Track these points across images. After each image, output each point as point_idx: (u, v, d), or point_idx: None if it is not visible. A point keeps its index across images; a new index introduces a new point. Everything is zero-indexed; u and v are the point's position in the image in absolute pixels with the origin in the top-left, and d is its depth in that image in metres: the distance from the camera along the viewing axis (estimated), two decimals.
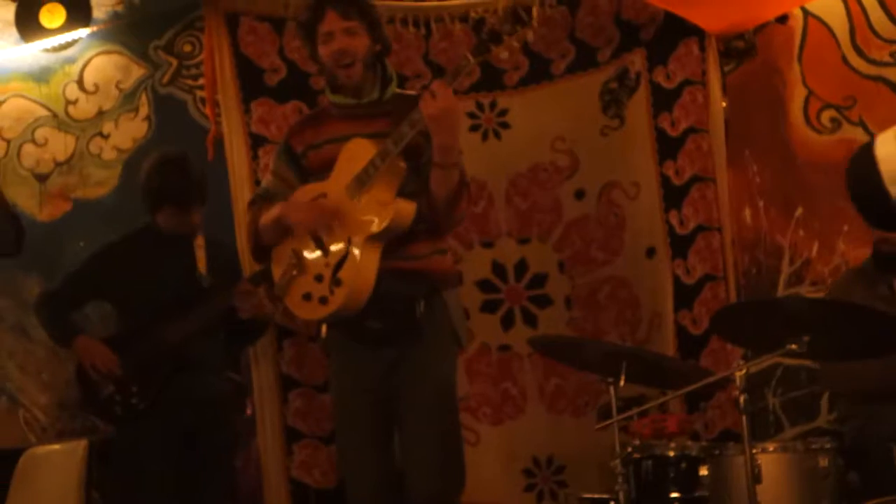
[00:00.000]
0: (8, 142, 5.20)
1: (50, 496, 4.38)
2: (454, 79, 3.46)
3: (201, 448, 4.28)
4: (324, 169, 3.60)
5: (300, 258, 3.54)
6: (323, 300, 3.47)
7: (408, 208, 3.46)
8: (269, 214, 3.65)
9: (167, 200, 4.35)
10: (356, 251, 3.44)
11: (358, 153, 3.50)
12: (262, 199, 3.76)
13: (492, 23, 3.43)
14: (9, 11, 5.16)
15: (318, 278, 3.49)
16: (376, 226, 3.43)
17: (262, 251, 3.74)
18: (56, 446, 4.59)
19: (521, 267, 4.81)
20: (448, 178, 3.45)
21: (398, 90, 3.73)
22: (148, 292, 4.27)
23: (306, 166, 3.68)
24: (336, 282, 3.45)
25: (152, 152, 4.66)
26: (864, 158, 2.85)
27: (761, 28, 4.77)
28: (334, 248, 3.48)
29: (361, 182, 3.46)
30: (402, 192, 3.49)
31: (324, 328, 3.67)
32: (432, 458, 3.51)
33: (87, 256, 4.55)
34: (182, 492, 4.23)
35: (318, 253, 3.51)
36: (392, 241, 3.47)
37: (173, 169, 4.33)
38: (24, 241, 3.93)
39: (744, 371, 3.19)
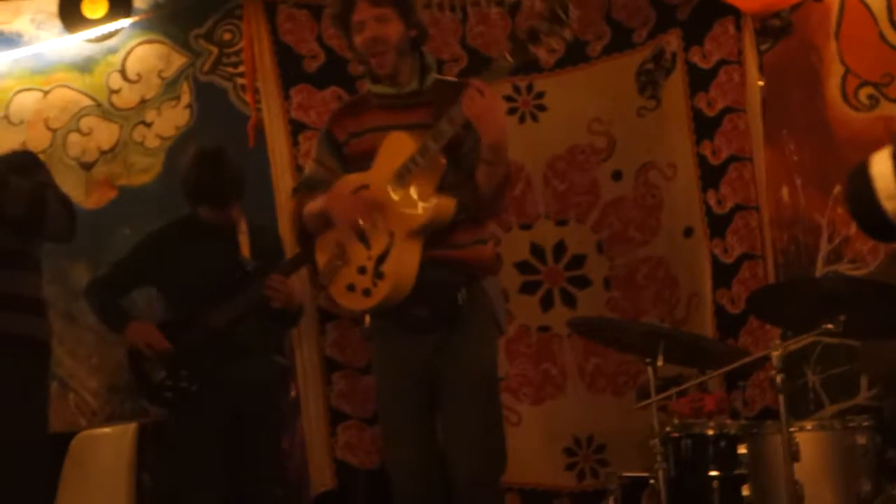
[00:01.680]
0: (54, 131, 5.24)
1: (101, 478, 4.47)
2: (495, 78, 3.50)
3: (249, 430, 4.33)
4: (364, 158, 3.65)
5: (344, 250, 3.60)
6: (366, 292, 3.54)
7: (448, 204, 3.52)
8: (314, 205, 3.71)
9: (203, 197, 4.41)
10: (398, 245, 3.50)
11: (398, 147, 3.55)
12: (305, 187, 3.82)
13: (530, 22, 3.47)
14: (52, 3, 5.18)
15: (362, 270, 3.56)
16: (417, 221, 3.49)
17: (307, 238, 3.80)
18: (107, 429, 4.67)
19: (560, 248, 4.85)
20: (495, 173, 3.51)
21: (438, 76, 3.75)
22: (193, 278, 4.33)
23: (347, 154, 3.73)
24: (379, 275, 3.52)
25: (192, 143, 4.72)
26: (860, 176, 2.96)
27: (797, 6, 4.73)
28: (377, 241, 3.54)
29: (402, 177, 3.51)
30: (443, 184, 3.53)
31: (367, 318, 3.72)
32: (474, 440, 3.57)
33: (133, 243, 4.62)
34: (230, 473, 4.30)
35: (361, 245, 3.57)
36: (431, 235, 3.52)
37: (209, 165, 4.37)
38: (75, 225, 4.04)
39: (780, 351, 3.23)
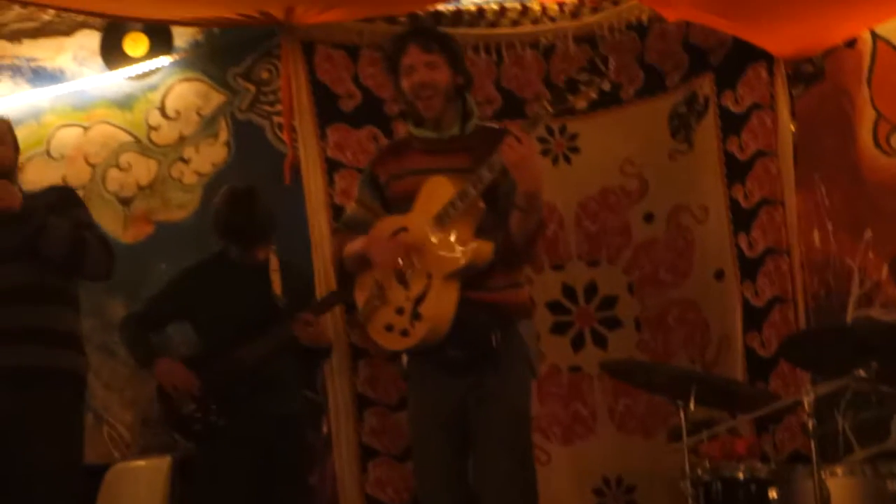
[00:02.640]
0: (93, 167, 5.33)
1: None
2: (533, 127, 3.56)
3: (278, 464, 4.36)
4: (404, 199, 3.69)
5: (383, 290, 3.64)
6: (404, 333, 3.57)
7: (486, 248, 3.55)
8: (353, 247, 3.76)
9: (232, 237, 4.49)
10: (436, 287, 3.53)
11: (438, 191, 3.59)
12: (346, 227, 3.87)
13: (570, 73, 3.52)
14: (94, 41, 5.29)
15: (400, 311, 3.58)
16: (456, 265, 3.52)
17: (346, 278, 3.85)
18: (141, 462, 4.71)
19: (591, 289, 4.88)
20: (528, 221, 3.55)
21: (479, 123, 3.81)
22: (225, 314, 4.39)
23: (389, 195, 3.78)
24: (417, 316, 3.55)
25: (228, 181, 4.80)
26: None
27: (830, 52, 4.78)
28: (415, 283, 3.57)
29: (442, 221, 3.55)
30: (479, 228, 3.57)
31: (404, 358, 3.76)
32: (506, 480, 3.56)
33: (166, 280, 4.68)
34: None
35: (399, 286, 3.60)
36: (468, 279, 3.55)
37: (239, 206, 4.45)
38: (113, 265, 4.10)
39: (812, 396, 3.25)
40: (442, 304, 3.52)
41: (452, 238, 3.54)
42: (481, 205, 3.56)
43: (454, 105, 3.74)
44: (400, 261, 3.59)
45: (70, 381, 3.99)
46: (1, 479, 3.47)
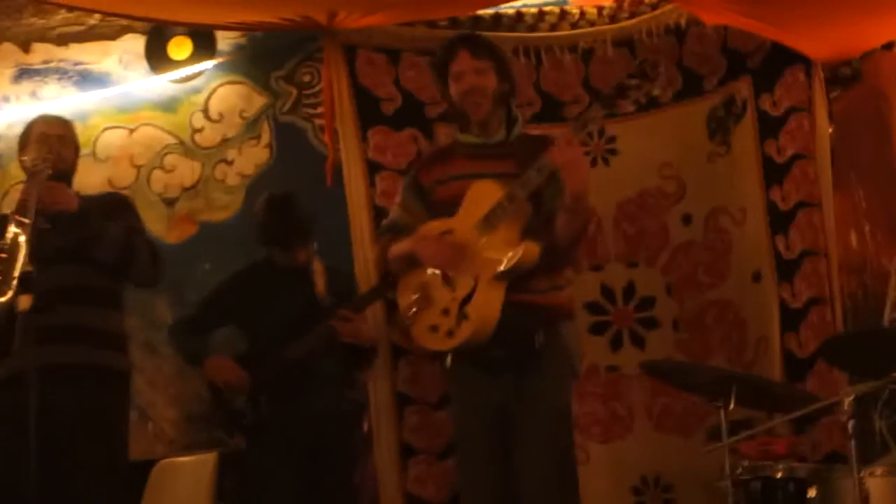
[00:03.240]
0: (138, 168, 5.42)
1: None
2: (582, 130, 3.62)
3: (322, 462, 4.44)
4: (449, 204, 3.75)
5: (428, 292, 3.70)
6: (450, 333, 3.62)
7: (534, 249, 3.59)
8: (400, 247, 3.82)
9: (272, 242, 4.60)
10: (482, 288, 3.58)
11: (485, 194, 3.65)
12: (389, 231, 3.93)
13: (610, 76, 3.57)
14: (139, 44, 5.38)
15: (445, 312, 3.63)
16: (503, 265, 3.57)
17: (391, 280, 3.92)
18: (187, 458, 4.76)
19: (629, 290, 4.93)
20: (575, 222, 3.61)
21: (524, 132, 3.87)
22: (272, 316, 4.47)
23: (433, 200, 3.84)
24: (463, 316, 3.59)
25: (273, 183, 4.89)
26: None
27: (867, 55, 4.79)
28: (461, 284, 3.62)
29: (489, 223, 3.60)
30: (525, 230, 3.63)
31: (449, 359, 3.81)
32: (548, 478, 3.62)
33: (215, 284, 4.77)
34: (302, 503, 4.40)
35: (445, 288, 3.65)
36: (514, 281, 3.60)
37: (277, 212, 4.56)
38: (162, 271, 4.19)
39: (852, 397, 3.29)
40: (488, 305, 3.57)
41: (499, 240, 3.60)
42: (528, 208, 3.61)
43: (500, 111, 3.80)
44: (448, 262, 3.64)
45: (115, 379, 4.10)
46: (48, 474, 3.54)
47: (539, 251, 3.59)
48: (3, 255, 3.43)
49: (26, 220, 3.54)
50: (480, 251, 3.62)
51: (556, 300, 3.74)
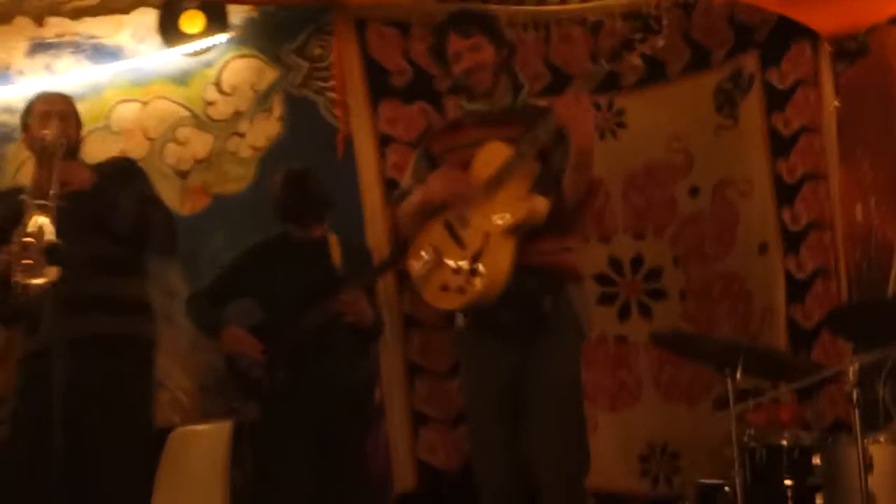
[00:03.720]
0: (152, 141, 5.42)
1: (197, 473, 4.63)
2: (588, 82, 3.69)
3: (335, 430, 4.50)
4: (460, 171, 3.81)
5: (439, 252, 3.74)
6: (461, 290, 3.66)
7: (542, 203, 3.65)
8: (410, 200, 3.89)
9: (290, 218, 4.66)
10: (493, 244, 3.63)
11: (494, 154, 3.72)
12: (401, 199, 4.00)
13: (624, 32, 3.62)
14: (152, 18, 5.36)
15: (457, 270, 3.68)
16: (512, 218, 3.62)
17: (402, 249, 3.98)
18: (203, 427, 4.84)
19: (637, 261, 5.00)
20: (580, 181, 3.66)
21: (530, 101, 3.92)
22: (288, 288, 4.54)
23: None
24: (473, 272, 3.64)
25: (284, 155, 4.95)
26: None
27: (873, 28, 4.79)
28: (471, 241, 3.67)
29: (499, 180, 3.67)
30: (534, 187, 3.68)
31: (459, 318, 3.87)
32: (559, 443, 3.69)
33: (232, 257, 4.83)
34: (316, 471, 4.46)
35: (456, 246, 3.70)
36: (523, 237, 3.66)
37: (294, 189, 4.61)
38: (177, 239, 4.26)
39: (856, 366, 3.36)
40: (499, 260, 3.62)
41: (509, 196, 3.65)
42: (535, 167, 3.67)
43: (503, 78, 3.87)
44: (460, 198, 3.69)
45: (139, 346, 4.17)
46: (74, 444, 3.62)
47: (548, 206, 3.65)
48: (31, 240, 3.47)
49: (47, 203, 3.58)
50: (491, 207, 3.67)
51: (564, 262, 3.79)
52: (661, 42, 3.61)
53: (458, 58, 3.85)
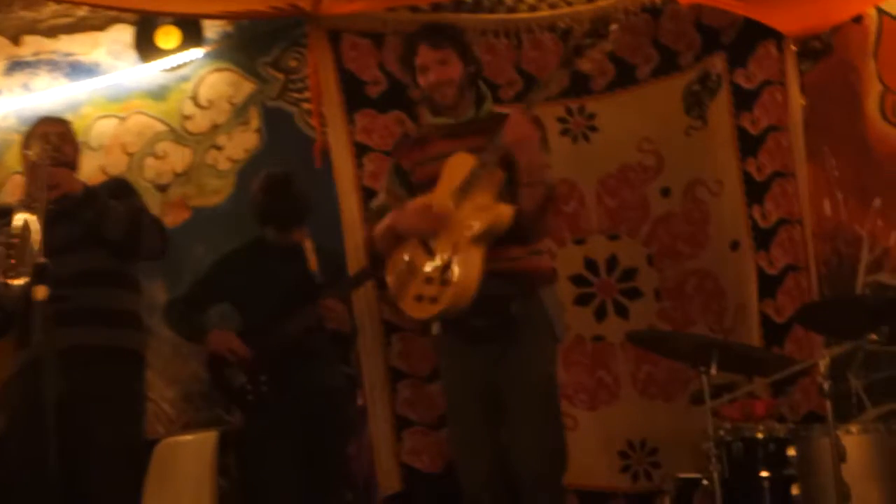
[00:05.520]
0: (131, 155, 5.48)
1: (184, 484, 4.67)
2: (544, 90, 3.79)
3: (319, 436, 4.54)
4: (429, 183, 3.89)
5: (412, 264, 3.83)
6: (433, 300, 3.75)
7: (507, 210, 3.74)
8: (382, 224, 3.98)
9: (269, 221, 4.68)
10: (461, 253, 3.71)
11: (460, 165, 3.80)
12: (376, 216, 4.08)
13: (576, 38, 3.71)
14: (128, 35, 5.42)
15: (429, 280, 3.77)
16: (479, 227, 3.71)
17: (378, 262, 4.06)
18: (189, 437, 4.87)
19: (612, 262, 5.04)
20: (534, 194, 3.74)
21: (494, 108, 3.99)
22: (266, 293, 4.57)
23: (414, 182, 4.00)
24: (444, 282, 3.73)
25: (262, 166, 4.95)
26: None
27: (837, 28, 4.90)
28: (441, 252, 3.76)
29: (464, 190, 3.75)
30: (500, 196, 3.75)
31: (435, 326, 3.95)
32: (536, 443, 3.78)
33: (209, 264, 4.86)
34: (302, 477, 4.49)
35: (427, 258, 3.79)
36: (492, 245, 3.74)
37: (276, 191, 4.64)
38: (167, 244, 4.32)
39: (827, 359, 3.44)
40: (468, 268, 3.70)
41: (475, 205, 3.73)
42: (500, 174, 3.74)
43: (468, 92, 3.95)
44: (424, 226, 3.77)
45: (132, 359, 4.23)
46: (65, 455, 3.66)
47: (513, 213, 3.72)
48: (16, 240, 3.51)
49: (35, 205, 3.63)
50: (458, 219, 3.74)
51: (534, 264, 3.88)
52: (608, 47, 3.69)
53: (425, 70, 3.93)
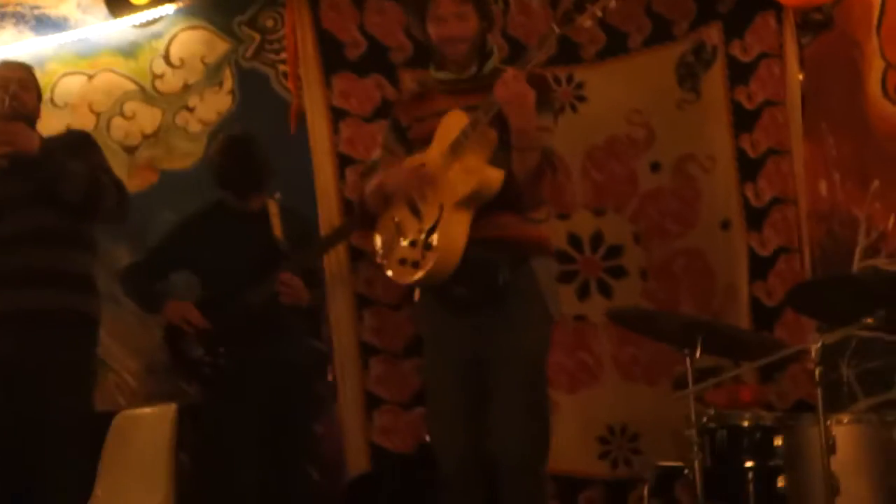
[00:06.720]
0: (98, 115, 5.34)
1: (142, 457, 4.54)
2: (541, 48, 3.56)
3: (284, 410, 4.39)
4: (426, 140, 3.71)
5: (400, 226, 3.67)
6: (415, 264, 3.58)
7: (495, 174, 3.55)
8: (372, 182, 3.81)
9: (226, 185, 4.51)
10: (447, 217, 3.54)
11: (454, 123, 3.62)
12: (371, 172, 3.92)
13: (564, 4, 3.53)
14: None
15: (413, 244, 3.60)
16: (464, 190, 3.53)
17: (369, 220, 3.86)
18: (148, 409, 4.75)
19: (597, 239, 4.89)
20: (526, 159, 3.54)
21: (499, 66, 3.78)
22: (227, 260, 4.40)
23: (411, 138, 3.80)
24: (427, 246, 3.55)
25: (232, 130, 4.80)
26: None
27: (839, 1, 4.77)
28: (428, 214, 3.59)
29: (454, 150, 3.57)
30: (492, 159, 3.58)
31: (417, 292, 3.78)
32: (519, 424, 3.56)
33: (166, 229, 4.70)
34: (265, 453, 4.35)
35: (413, 219, 3.63)
36: (481, 210, 3.55)
37: (234, 155, 4.47)
38: (128, 208, 4.14)
39: (819, 344, 3.27)
40: (452, 233, 3.53)
41: (465, 167, 3.55)
42: (493, 134, 3.56)
43: (478, 48, 3.76)
44: (412, 188, 3.61)
45: (84, 323, 4.06)
46: (15, 423, 3.51)
47: (502, 177, 3.54)
48: None
49: None
50: (446, 179, 3.58)
51: (526, 233, 3.68)
52: (612, 3, 3.48)
53: (442, 22, 3.71)
